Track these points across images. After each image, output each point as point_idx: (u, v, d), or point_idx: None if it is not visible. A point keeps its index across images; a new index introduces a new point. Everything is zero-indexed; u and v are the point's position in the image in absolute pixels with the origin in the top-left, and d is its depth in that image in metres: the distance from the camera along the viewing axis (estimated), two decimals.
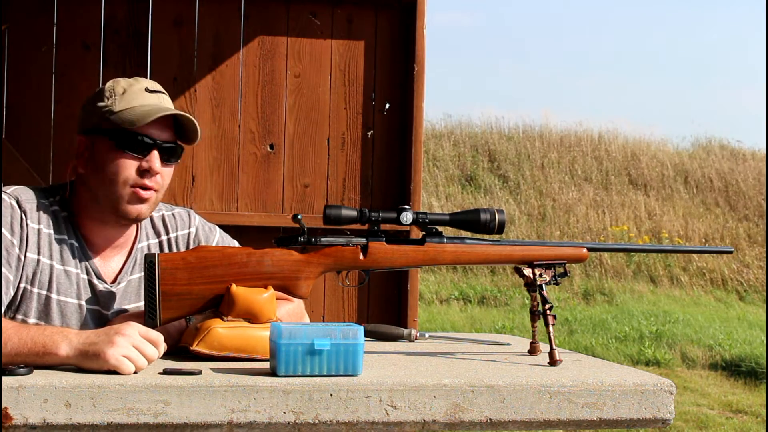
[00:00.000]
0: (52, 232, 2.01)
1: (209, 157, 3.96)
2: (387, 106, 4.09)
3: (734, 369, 8.55)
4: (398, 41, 4.08)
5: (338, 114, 4.07)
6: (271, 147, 4.02)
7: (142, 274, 2.07)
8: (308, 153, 4.05)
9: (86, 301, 2.03)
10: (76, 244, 2.04)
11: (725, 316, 11.05)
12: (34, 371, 1.68)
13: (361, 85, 4.08)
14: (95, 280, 2.04)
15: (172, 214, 2.20)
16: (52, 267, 2.00)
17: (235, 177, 3.98)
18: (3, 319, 1.82)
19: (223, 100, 4.00)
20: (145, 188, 2.01)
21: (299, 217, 1.97)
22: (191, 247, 2.19)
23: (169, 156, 2.05)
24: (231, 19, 4.01)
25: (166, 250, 2.16)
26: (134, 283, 2.09)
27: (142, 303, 2.07)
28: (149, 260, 1.92)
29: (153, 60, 3.92)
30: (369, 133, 4.08)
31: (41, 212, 2.01)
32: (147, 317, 1.91)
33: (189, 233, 2.21)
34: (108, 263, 2.08)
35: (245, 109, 4.01)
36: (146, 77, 3.84)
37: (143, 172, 2.01)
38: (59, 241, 2.01)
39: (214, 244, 2.22)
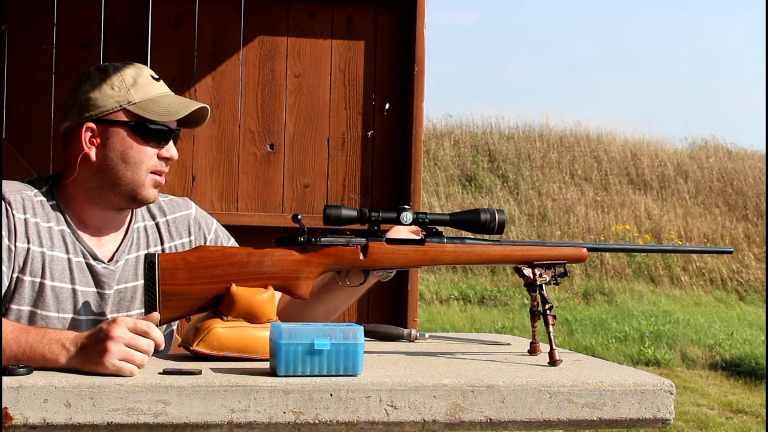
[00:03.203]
0: (39, 220, 2.02)
1: (209, 157, 3.96)
2: (387, 106, 4.09)
3: (734, 369, 8.56)
4: (398, 41, 4.08)
5: (338, 114, 4.07)
6: (271, 147, 4.02)
7: (140, 253, 2.12)
8: (308, 153, 4.05)
9: (82, 285, 2.04)
10: (67, 230, 2.05)
11: (725, 316, 11.05)
12: (34, 371, 1.68)
13: (361, 85, 4.08)
14: (92, 261, 2.06)
15: (169, 200, 2.24)
16: (43, 254, 2.01)
17: (235, 177, 3.98)
18: (4, 320, 1.82)
19: (223, 100, 4.00)
20: (161, 174, 2.09)
21: (299, 217, 1.97)
22: (191, 228, 2.22)
23: (174, 141, 2.12)
24: (231, 19, 4.01)
25: (163, 232, 2.18)
26: (132, 262, 2.11)
27: (141, 282, 2.09)
28: (149, 260, 1.92)
29: (153, 60, 3.92)
30: (369, 133, 4.08)
31: (26, 202, 2.02)
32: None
33: (189, 214, 2.24)
34: (103, 244, 2.10)
35: (245, 109, 4.01)
36: None
37: (162, 160, 2.08)
38: (48, 228, 2.03)
39: (212, 232, 2.26)
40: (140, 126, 2.04)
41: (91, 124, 2.05)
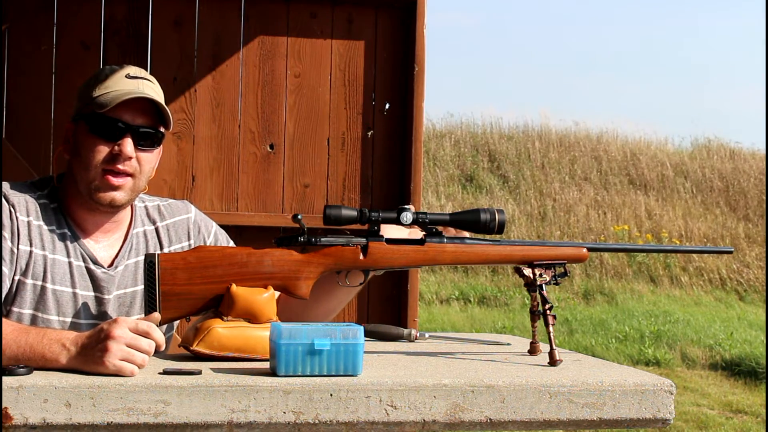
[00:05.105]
0: (42, 223, 2.02)
1: (209, 157, 3.96)
2: (387, 106, 4.09)
3: (734, 369, 8.55)
4: (398, 41, 4.08)
5: (338, 114, 4.07)
6: (271, 147, 4.02)
7: (139, 258, 2.11)
8: (308, 153, 4.04)
9: (82, 289, 2.04)
10: (69, 233, 2.05)
11: (725, 316, 11.05)
12: (34, 371, 1.68)
13: (361, 85, 4.07)
14: (92, 266, 2.05)
15: (168, 204, 2.23)
16: (45, 257, 2.00)
17: (235, 177, 3.98)
18: (3, 320, 1.82)
19: (223, 100, 4.00)
20: (117, 173, 2.01)
21: (299, 217, 1.97)
22: (191, 232, 2.22)
23: (144, 141, 2.04)
24: (231, 19, 4.01)
25: (163, 236, 2.18)
26: (131, 268, 2.11)
27: (140, 287, 2.08)
28: (149, 260, 1.92)
29: (153, 60, 3.92)
30: (369, 133, 4.07)
31: (29, 205, 2.02)
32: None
33: (188, 218, 2.23)
34: (103, 248, 2.09)
35: (245, 109, 4.01)
36: None
37: (115, 156, 2.01)
38: (50, 232, 2.02)
39: (212, 235, 2.25)
40: (91, 119, 2.01)
41: (70, 123, 2.08)
